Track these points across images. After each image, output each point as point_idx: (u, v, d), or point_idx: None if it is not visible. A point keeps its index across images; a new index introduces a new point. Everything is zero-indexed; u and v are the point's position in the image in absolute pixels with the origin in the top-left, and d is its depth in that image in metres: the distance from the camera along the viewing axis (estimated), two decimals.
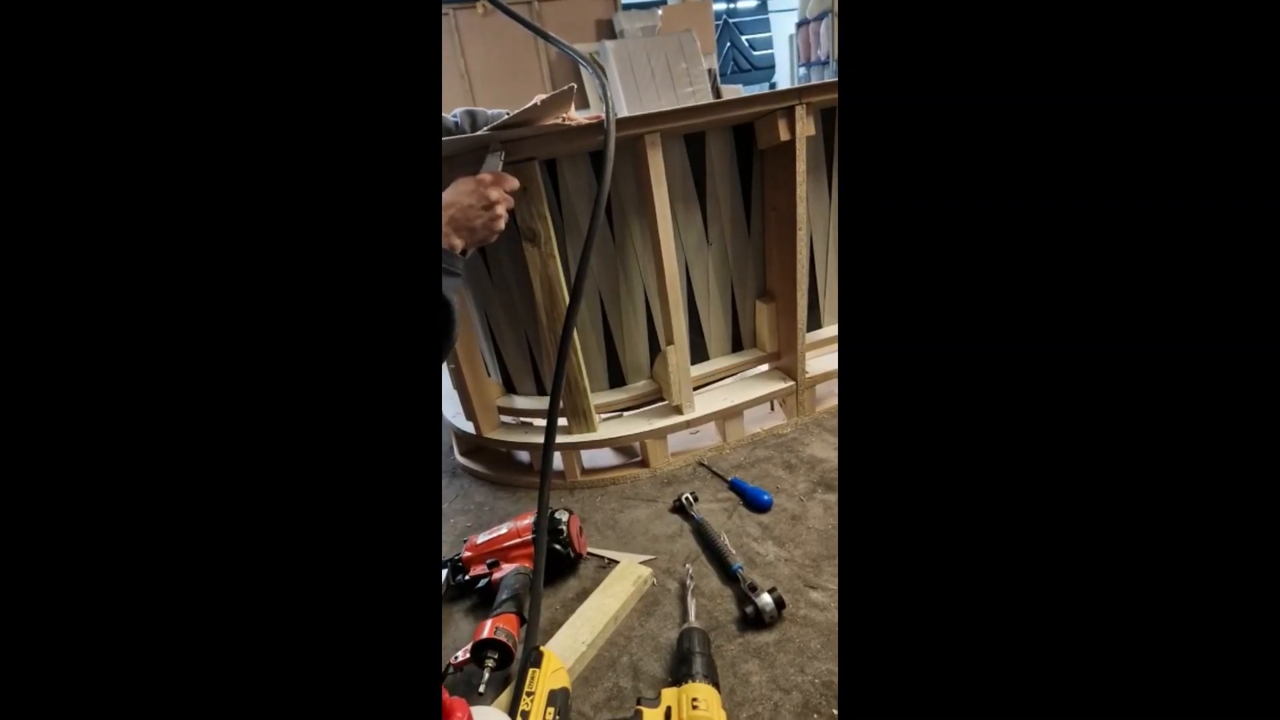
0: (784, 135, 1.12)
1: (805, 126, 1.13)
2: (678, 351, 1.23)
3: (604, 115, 0.95)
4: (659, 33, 4.07)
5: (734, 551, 1.01)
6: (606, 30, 4.14)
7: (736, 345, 1.42)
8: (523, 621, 0.87)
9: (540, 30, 1.06)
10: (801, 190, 1.17)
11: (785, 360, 1.37)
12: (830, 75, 5.10)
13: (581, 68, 1.09)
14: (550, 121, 1.04)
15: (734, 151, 1.23)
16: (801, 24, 5.63)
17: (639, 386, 1.34)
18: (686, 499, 1.15)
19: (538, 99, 0.96)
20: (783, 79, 7.02)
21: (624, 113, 1.11)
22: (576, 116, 1.04)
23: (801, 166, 1.15)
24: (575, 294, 0.96)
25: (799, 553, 1.01)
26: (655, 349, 1.32)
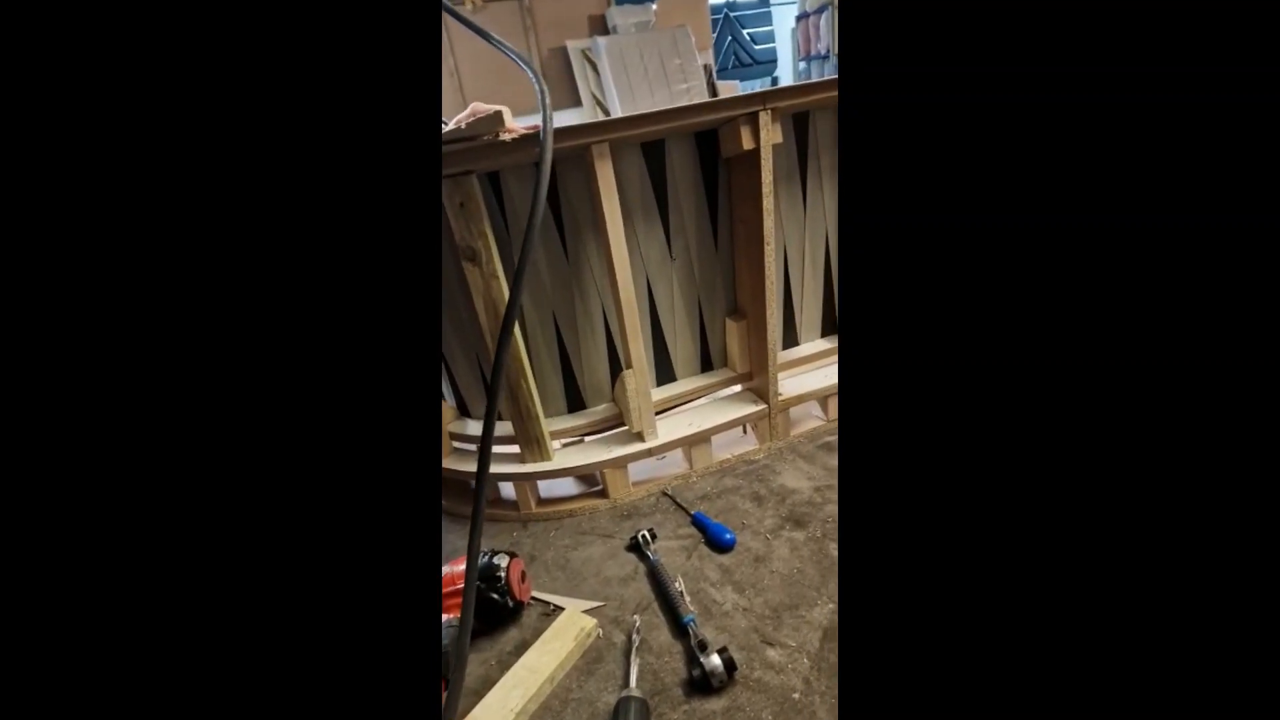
0: (747, 144, 1.03)
1: (771, 134, 1.04)
2: (637, 376, 1.15)
3: (541, 125, 0.86)
4: (653, 28, 3.97)
5: (688, 601, 0.92)
6: (599, 25, 4.03)
7: (706, 365, 1.33)
8: (449, 684, 0.79)
9: (480, 29, 0.97)
10: (768, 202, 1.08)
11: (757, 381, 1.29)
12: (830, 70, 4.97)
13: (554, 70, 1.00)
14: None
15: (698, 160, 1.14)
16: (801, 17, 5.49)
17: (599, 410, 1.26)
18: (643, 536, 1.07)
19: (463, 121, 0.88)
20: (785, 74, 6.87)
21: (618, 111, 1.03)
22: (516, 127, 0.95)
23: (768, 176, 1.06)
24: (509, 315, 0.87)
25: (759, 601, 0.93)
26: (616, 370, 1.23)
